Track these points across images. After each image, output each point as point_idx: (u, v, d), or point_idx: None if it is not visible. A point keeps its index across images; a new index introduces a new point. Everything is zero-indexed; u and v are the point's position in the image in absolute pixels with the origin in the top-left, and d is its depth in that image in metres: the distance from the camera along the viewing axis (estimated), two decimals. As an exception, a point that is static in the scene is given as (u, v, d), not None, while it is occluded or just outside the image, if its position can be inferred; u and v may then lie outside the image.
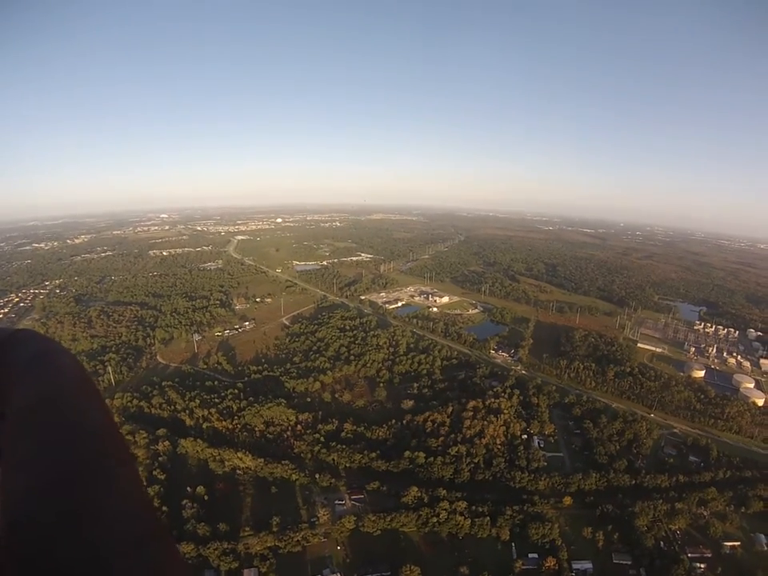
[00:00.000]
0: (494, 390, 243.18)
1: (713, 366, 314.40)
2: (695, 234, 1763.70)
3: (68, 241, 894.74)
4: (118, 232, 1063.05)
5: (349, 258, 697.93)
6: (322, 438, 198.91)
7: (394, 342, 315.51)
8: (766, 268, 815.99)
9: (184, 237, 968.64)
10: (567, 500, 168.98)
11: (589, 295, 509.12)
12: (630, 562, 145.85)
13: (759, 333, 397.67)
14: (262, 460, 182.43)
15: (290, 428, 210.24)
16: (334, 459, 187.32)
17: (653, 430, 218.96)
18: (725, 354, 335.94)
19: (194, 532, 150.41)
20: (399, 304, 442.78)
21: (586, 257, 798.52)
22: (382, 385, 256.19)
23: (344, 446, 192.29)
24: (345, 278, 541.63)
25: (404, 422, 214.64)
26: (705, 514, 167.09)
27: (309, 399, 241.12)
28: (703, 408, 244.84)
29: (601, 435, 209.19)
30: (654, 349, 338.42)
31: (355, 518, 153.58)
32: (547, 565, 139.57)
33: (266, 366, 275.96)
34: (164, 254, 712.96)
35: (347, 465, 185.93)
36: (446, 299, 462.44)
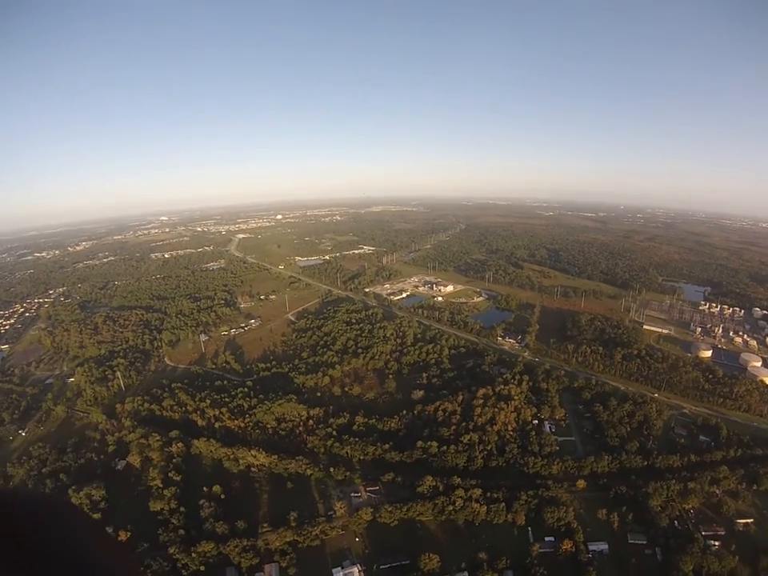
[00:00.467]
0: (503, 376, 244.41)
1: (719, 346, 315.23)
2: (696, 214, 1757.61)
3: (69, 248, 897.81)
4: (119, 237, 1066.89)
5: (351, 252, 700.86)
6: (334, 432, 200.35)
7: (400, 333, 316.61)
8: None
9: (185, 238, 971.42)
10: (581, 483, 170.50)
11: (593, 279, 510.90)
12: (645, 542, 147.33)
13: (765, 311, 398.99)
14: (276, 457, 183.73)
15: (301, 423, 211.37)
16: (347, 452, 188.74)
17: (663, 411, 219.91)
18: (731, 334, 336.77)
19: (213, 531, 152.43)
20: (404, 295, 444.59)
21: (588, 241, 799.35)
22: (391, 376, 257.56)
23: (357, 439, 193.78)
24: (348, 271, 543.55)
25: (415, 412, 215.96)
26: (717, 492, 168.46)
27: (319, 394, 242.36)
28: (712, 388, 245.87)
29: (611, 418, 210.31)
30: (660, 330, 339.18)
31: (372, 510, 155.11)
32: (564, 547, 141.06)
33: (274, 362, 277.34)
34: (166, 256, 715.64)
35: (361, 457, 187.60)
36: (450, 288, 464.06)
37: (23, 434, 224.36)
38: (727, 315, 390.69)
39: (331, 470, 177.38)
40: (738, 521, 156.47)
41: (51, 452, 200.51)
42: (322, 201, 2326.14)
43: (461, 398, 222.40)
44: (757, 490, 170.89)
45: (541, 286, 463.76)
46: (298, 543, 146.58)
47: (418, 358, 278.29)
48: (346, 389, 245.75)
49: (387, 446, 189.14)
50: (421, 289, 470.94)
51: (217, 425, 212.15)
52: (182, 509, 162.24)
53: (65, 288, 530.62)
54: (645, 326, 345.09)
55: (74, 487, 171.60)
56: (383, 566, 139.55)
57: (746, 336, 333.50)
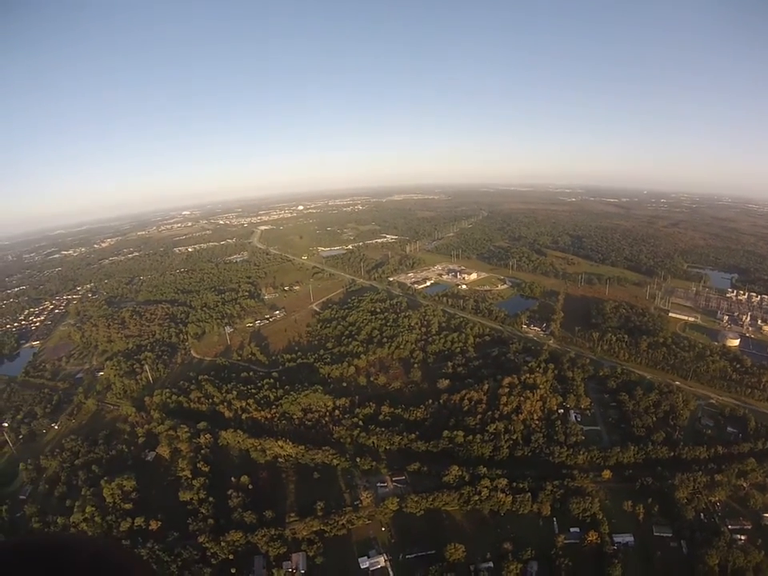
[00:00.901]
0: (529, 365, 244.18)
1: (747, 335, 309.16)
2: (722, 198, 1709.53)
3: (95, 245, 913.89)
4: (143, 232, 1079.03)
5: (374, 241, 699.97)
6: (360, 422, 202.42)
7: (425, 322, 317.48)
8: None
9: (207, 231, 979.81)
10: (606, 474, 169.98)
11: (616, 266, 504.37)
12: (670, 535, 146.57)
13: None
14: (303, 447, 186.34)
15: (327, 414, 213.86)
16: (373, 442, 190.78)
17: (689, 401, 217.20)
18: (759, 322, 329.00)
19: (241, 520, 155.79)
20: (428, 283, 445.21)
21: (611, 227, 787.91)
22: (416, 365, 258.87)
23: (383, 429, 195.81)
24: (371, 260, 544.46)
25: (441, 401, 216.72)
26: (744, 485, 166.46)
27: (344, 384, 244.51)
28: (739, 377, 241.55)
29: (637, 407, 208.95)
30: (686, 318, 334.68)
31: (398, 500, 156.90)
32: (589, 539, 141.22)
33: (299, 353, 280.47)
34: (189, 250, 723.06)
35: (387, 447, 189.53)
36: (474, 276, 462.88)
37: (56, 427, 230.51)
38: (755, 303, 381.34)
39: (357, 459, 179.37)
40: (766, 515, 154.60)
41: (83, 444, 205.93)
42: (343, 190, 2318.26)
43: (486, 386, 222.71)
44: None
45: (565, 273, 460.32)
46: (325, 533, 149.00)
47: (443, 347, 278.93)
48: (372, 378, 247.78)
49: (413, 435, 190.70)
50: (445, 277, 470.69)
51: (244, 416, 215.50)
52: (210, 499, 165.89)
53: (92, 284, 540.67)
54: (670, 314, 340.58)
55: (105, 478, 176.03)
56: (409, 556, 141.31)
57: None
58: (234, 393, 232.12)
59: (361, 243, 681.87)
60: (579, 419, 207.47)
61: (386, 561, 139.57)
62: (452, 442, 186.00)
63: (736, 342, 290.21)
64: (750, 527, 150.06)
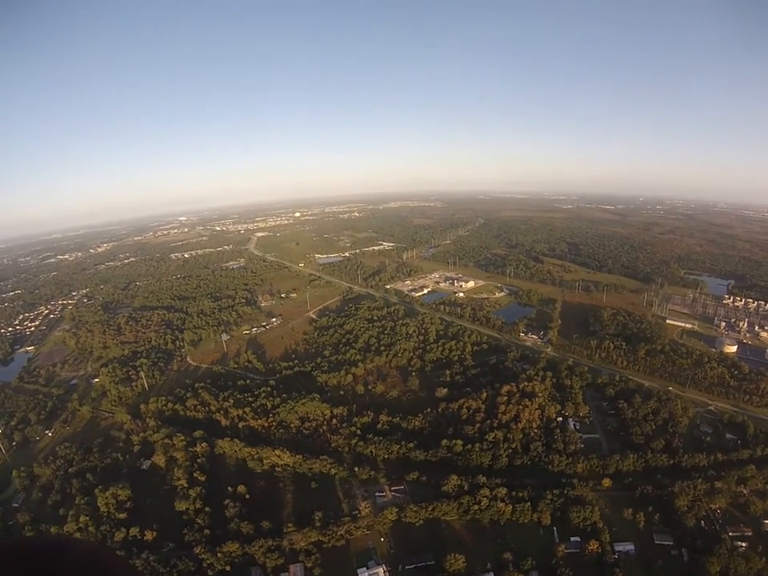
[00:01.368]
0: (527, 373, 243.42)
1: (745, 341, 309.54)
2: (717, 205, 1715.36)
3: (91, 250, 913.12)
4: (139, 238, 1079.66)
5: (370, 248, 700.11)
6: (358, 431, 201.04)
7: (423, 330, 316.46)
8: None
9: (204, 238, 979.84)
10: (606, 482, 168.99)
11: (613, 273, 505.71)
12: (671, 543, 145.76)
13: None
14: (300, 456, 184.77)
15: (325, 422, 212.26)
16: (371, 451, 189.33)
17: (688, 409, 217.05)
18: (756, 328, 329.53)
19: (237, 531, 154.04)
20: (425, 291, 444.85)
21: (607, 234, 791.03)
22: (414, 374, 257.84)
23: (381, 438, 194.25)
24: (368, 268, 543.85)
25: (439, 410, 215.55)
26: (744, 492, 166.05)
27: (342, 392, 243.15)
28: (738, 384, 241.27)
29: (636, 415, 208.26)
30: (683, 325, 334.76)
31: (397, 509, 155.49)
32: (590, 548, 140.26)
33: (296, 361, 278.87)
34: (185, 256, 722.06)
35: (385, 456, 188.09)
36: (471, 284, 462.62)
37: (50, 434, 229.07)
38: (752, 309, 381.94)
39: (355, 469, 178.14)
40: (766, 521, 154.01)
41: (77, 452, 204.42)
42: (339, 197, 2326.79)
43: (485, 395, 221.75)
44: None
45: (561, 281, 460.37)
46: (323, 543, 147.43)
47: (440, 355, 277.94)
48: (370, 387, 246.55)
49: (411, 444, 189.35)
50: (442, 285, 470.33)
51: (240, 424, 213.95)
52: (206, 508, 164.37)
53: (88, 289, 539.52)
54: (668, 321, 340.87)
55: (100, 487, 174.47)
56: (408, 567, 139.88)
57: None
58: (231, 401, 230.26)
59: (357, 250, 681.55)
60: (578, 427, 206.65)
61: (385, 572, 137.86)
62: (451, 451, 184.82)
63: (734, 349, 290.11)
64: (750, 534, 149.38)
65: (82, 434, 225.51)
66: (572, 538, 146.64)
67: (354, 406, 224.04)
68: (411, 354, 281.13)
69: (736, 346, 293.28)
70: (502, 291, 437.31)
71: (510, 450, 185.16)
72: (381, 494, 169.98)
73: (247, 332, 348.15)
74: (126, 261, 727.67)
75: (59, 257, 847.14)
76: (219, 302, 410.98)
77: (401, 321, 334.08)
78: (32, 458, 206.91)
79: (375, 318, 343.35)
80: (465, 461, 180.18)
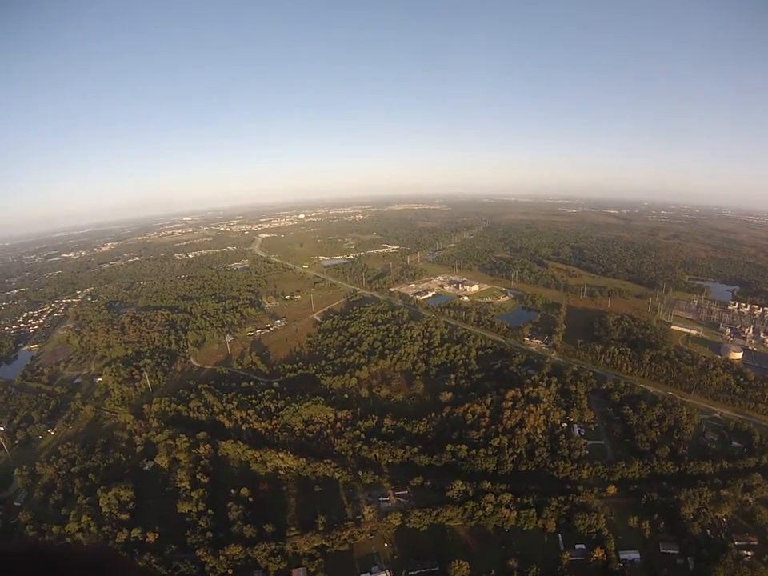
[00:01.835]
0: (532, 378, 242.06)
1: (750, 348, 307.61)
2: (722, 210, 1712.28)
3: (95, 249, 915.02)
4: (143, 237, 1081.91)
5: (375, 251, 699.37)
6: (362, 435, 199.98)
7: (427, 334, 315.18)
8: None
9: (208, 238, 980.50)
10: (611, 489, 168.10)
11: (618, 278, 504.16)
12: (677, 551, 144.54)
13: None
14: (304, 459, 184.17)
15: (329, 426, 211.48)
16: (375, 455, 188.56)
17: (693, 415, 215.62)
18: (762, 335, 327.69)
19: (240, 534, 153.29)
20: (430, 294, 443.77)
21: (612, 238, 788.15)
22: (418, 378, 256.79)
23: (385, 442, 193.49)
24: (373, 270, 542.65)
25: (444, 414, 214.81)
26: (750, 500, 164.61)
27: (346, 396, 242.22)
28: (743, 391, 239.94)
29: (641, 421, 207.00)
30: (688, 331, 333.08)
31: (401, 514, 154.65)
32: (595, 555, 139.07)
33: (300, 363, 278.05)
34: (190, 256, 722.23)
35: (389, 460, 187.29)
36: (476, 287, 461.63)
37: (52, 432, 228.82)
38: (757, 315, 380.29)
39: (359, 473, 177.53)
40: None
41: (80, 451, 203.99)
42: (344, 199, 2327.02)
43: (489, 400, 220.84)
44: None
45: (566, 285, 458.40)
46: (326, 548, 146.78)
47: (445, 359, 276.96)
48: (374, 390, 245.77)
49: (416, 449, 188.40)
50: (446, 288, 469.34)
51: (244, 426, 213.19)
52: (209, 511, 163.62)
53: (92, 288, 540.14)
54: (673, 327, 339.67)
55: (102, 487, 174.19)
56: (412, 573, 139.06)
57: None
58: (235, 403, 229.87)
59: (362, 253, 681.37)
60: (583, 433, 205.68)
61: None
62: (455, 456, 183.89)
63: (739, 355, 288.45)
64: (756, 543, 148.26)
65: (85, 433, 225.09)
66: (577, 546, 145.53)
67: (359, 409, 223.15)
68: (416, 357, 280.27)
69: (741, 353, 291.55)
70: (507, 295, 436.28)
71: (515, 456, 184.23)
72: (385, 498, 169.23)
73: (251, 333, 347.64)
74: (130, 260, 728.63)
75: (64, 255, 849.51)
76: (223, 303, 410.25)
77: (405, 324, 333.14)
78: (34, 456, 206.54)
79: (380, 320, 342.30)
80: (469, 466, 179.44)
